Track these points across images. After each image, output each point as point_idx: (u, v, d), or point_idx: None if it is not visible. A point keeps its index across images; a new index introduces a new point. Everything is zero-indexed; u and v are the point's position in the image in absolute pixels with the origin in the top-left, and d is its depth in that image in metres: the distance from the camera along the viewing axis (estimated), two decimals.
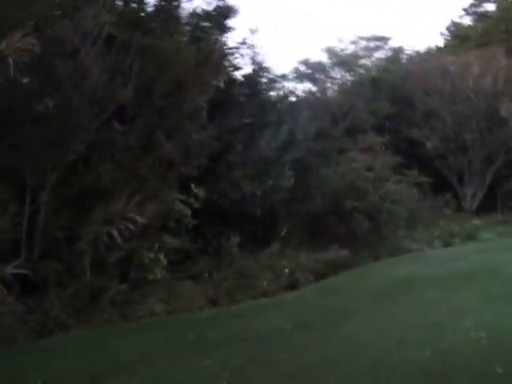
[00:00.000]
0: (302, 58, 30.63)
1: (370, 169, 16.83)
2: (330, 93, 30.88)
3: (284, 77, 30.35)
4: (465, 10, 38.21)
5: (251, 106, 12.88)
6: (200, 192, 10.07)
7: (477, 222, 20.91)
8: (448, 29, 38.40)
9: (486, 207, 26.98)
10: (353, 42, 31.68)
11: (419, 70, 28.68)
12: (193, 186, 10.16)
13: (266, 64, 15.23)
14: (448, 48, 35.54)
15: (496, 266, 12.91)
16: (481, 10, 38.00)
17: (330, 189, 15.92)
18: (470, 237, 19.41)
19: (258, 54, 14.88)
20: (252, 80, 13.87)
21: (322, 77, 31.07)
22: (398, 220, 16.52)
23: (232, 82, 12.16)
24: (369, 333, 7.43)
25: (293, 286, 10.85)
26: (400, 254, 15.78)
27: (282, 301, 9.74)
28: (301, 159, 14.71)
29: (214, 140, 10.36)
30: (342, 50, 31.29)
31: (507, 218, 25.20)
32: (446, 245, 17.89)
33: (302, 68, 30.95)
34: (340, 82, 30.67)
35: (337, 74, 30.82)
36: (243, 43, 13.84)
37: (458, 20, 38.49)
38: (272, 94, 16.51)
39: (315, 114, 29.00)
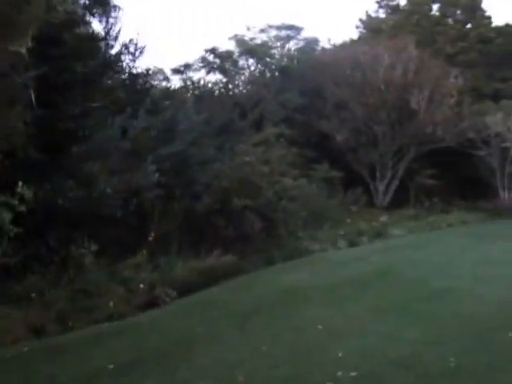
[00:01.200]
0: (209, 46, 28.70)
1: (267, 163, 15.15)
2: (239, 84, 29.18)
3: (188, 66, 28.63)
4: (378, 2, 37.58)
5: (97, 87, 10.78)
6: (26, 191, 7.94)
7: (385, 218, 19.71)
8: (362, 21, 37.63)
9: (399, 202, 26.08)
10: (262, 31, 30.04)
11: (330, 60, 27.46)
12: (20, 184, 8.03)
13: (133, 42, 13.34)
14: (362, 40, 34.72)
15: (397, 268, 11.58)
16: (393, 3, 37.49)
17: (221, 185, 14.10)
18: (379, 234, 18.18)
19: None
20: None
21: (231, 67, 29.29)
22: (296, 219, 14.95)
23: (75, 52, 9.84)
24: (212, 376, 5.61)
25: (153, 304, 8.92)
26: (299, 256, 14.21)
27: (127, 326, 7.79)
28: (181, 152, 12.80)
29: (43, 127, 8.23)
30: (252, 38, 29.57)
31: (418, 212, 24.37)
32: (352, 244, 16.49)
33: (210, 57, 29.06)
34: (248, 72, 28.96)
35: (245, 63, 29.07)
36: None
37: (373, 14, 37.89)
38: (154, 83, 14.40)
39: (222, 106, 27.39)
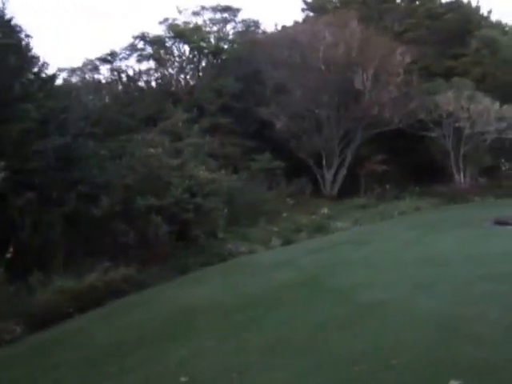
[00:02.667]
0: (138, 32, 26.28)
1: (178, 155, 12.96)
2: (171, 71, 26.86)
3: (114, 55, 26.19)
4: None
5: None
6: None
7: (326, 210, 17.71)
8: (306, 3, 35.60)
9: (349, 191, 24.21)
10: (196, 14, 27.75)
11: (267, 40, 25.39)
12: None
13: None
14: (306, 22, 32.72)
15: (325, 275, 9.57)
16: None
17: (123, 183, 11.89)
18: (320, 229, 16.18)
19: None
20: None
21: (164, 54, 26.95)
22: (216, 218, 12.79)
23: None
24: None
25: None
26: (220, 261, 12.10)
27: None
28: (63, 147, 10.51)
29: None
30: (185, 22, 27.21)
31: (368, 201, 22.53)
32: (288, 242, 14.42)
33: (140, 44, 26.66)
34: (181, 59, 26.65)
35: (178, 49, 26.75)
36: None
37: None
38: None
39: (154, 96, 25.10)
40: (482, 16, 41.96)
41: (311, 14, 35.60)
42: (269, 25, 48.92)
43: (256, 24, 30.51)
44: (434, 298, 7.06)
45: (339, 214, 19.09)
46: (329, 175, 23.70)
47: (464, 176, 26.82)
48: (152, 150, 12.06)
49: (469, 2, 33.40)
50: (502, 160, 27.81)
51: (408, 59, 23.53)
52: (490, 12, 35.13)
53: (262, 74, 23.64)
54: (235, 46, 26.95)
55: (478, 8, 34.24)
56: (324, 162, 23.63)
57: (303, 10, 35.99)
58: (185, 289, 9.66)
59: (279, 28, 30.48)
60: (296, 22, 33.29)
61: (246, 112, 23.53)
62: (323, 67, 22.22)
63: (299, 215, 17.60)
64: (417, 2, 33.34)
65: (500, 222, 13.91)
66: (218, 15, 28.30)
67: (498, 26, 52.85)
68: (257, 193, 17.51)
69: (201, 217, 12.20)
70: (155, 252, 11.11)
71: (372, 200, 22.94)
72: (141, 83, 26.49)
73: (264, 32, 29.83)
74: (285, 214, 17.09)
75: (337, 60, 22.61)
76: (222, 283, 9.85)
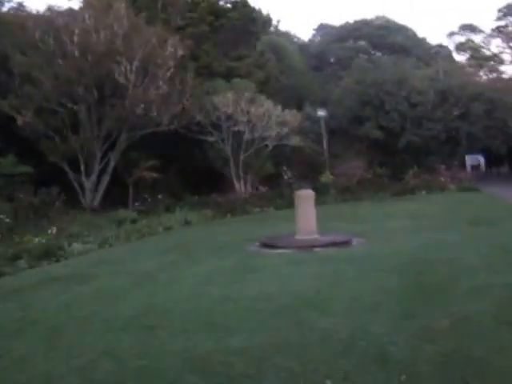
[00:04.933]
0: None
1: None
2: None
3: None
4: None
5: None
6: None
7: (54, 230, 14.02)
8: None
9: (115, 201, 20.82)
10: None
11: (17, 20, 20.91)
12: None
13: None
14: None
15: None
16: None
17: None
18: (48, 254, 12.40)
19: None
20: None
21: None
22: None
23: None
24: None
25: None
26: None
27: None
28: None
29: None
30: None
31: (132, 214, 19.30)
32: None
33: None
34: None
35: None
36: None
37: None
38: None
39: None
40: (268, 20, 41.73)
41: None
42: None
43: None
44: None
45: (89, 231, 15.60)
46: (88, 183, 20.00)
47: (245, 185, 25.04)
48: None
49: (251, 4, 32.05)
50: (284, 168, 26.63)
51: (181, 52, 20.80)
52: (278, 21, 34.46)
53: (9, 60, 19.21)
54: None
55: (260, 11, 33.20)
56: (82, 167, 19.86)
57: None
58: None
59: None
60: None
61: None
62: (77, 54, 18.43)
63: (29, 234, 13.72)
64: None
65: (267, 245, 11.58)
66: None
67: (286, 34, 54.15)
68: None
69: None
70: None
71: (140, 212, 19.83)
72: None
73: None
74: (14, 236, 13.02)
75: (97, 47, 19.04)
76: None
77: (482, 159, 49.23)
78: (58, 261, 12.36)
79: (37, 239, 13.37)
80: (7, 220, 14.23)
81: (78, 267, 11.14)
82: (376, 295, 6.63)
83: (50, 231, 13.41)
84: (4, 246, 12.47)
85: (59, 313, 7.28)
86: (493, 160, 47.19)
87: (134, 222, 18.30)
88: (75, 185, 20.04)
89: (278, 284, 7.76)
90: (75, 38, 18.63)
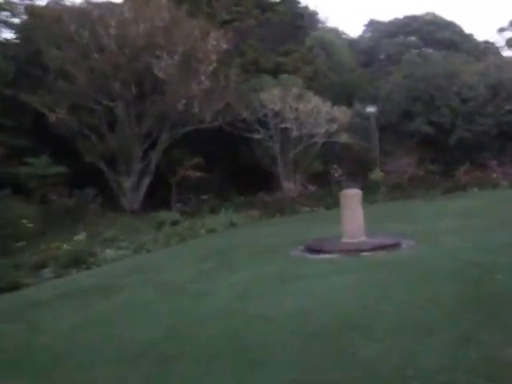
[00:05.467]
0: None
1: None
2: None
3: None
4: None
5: None
6: None
7: (81, 236, 12.98)
8: None
9: (157, 202, 19.81)
10: None
11: (51, 13, 20.09)
12: None
13: None
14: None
15: None
16: None
17: None
18: (77, 261, 11.41)
19: None
20: None
21: None
22: None
23: None
24: None
25: None
26: None
27: None
28: None
29: None
30: None
31: (175, 215, 18.22)
32: (13, 288, 9.55)
33: None
34: None
35: None
36: None
37: None
38: None
39: None
40: (315, 15, 40.29)
41: None
42: None
43: None
44: None
45: (125, 235, 14.62)
46: (128, 184, 19.04)
47: (293, 183, 23.68)
48: None
49: None
50: (334, 166, 25.09)
51: (224, 45, 19.62)
52: (327, 18, 33.08)
53: (43, 54, 18.49)
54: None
55: (307, 7, 31.79)
56: (122, 167, 18.93)
57: None
58: None
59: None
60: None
61: (18, 101, 18.18)
62: (114, 47, 17.49)
63: (61, 240, 12.77)
64: None
65: (312, 249, 10.23)
66: None
67: (334, 31, 52.47)
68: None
69: None
70: None
71: (183, 214, 18.76)
72: None
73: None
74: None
75: (135, 41, 18.08)
76: None
77: None
78: (88, 268, 11.36)
79: (65, 245, 12.38)
80: (29, 225, 13.24)
81: (106, 277, 10.05)
82: (428, 312, 5.47)
83: (78, 236, 12.35)
84: (27, 253, 11.50)
85: (68, 337, 6.15)
86: None
87: (174, 224, 17.20)
88: (113, 186, 19.13)
89: (320, 298, 6.53)
90: (111, 31, 17.69)
